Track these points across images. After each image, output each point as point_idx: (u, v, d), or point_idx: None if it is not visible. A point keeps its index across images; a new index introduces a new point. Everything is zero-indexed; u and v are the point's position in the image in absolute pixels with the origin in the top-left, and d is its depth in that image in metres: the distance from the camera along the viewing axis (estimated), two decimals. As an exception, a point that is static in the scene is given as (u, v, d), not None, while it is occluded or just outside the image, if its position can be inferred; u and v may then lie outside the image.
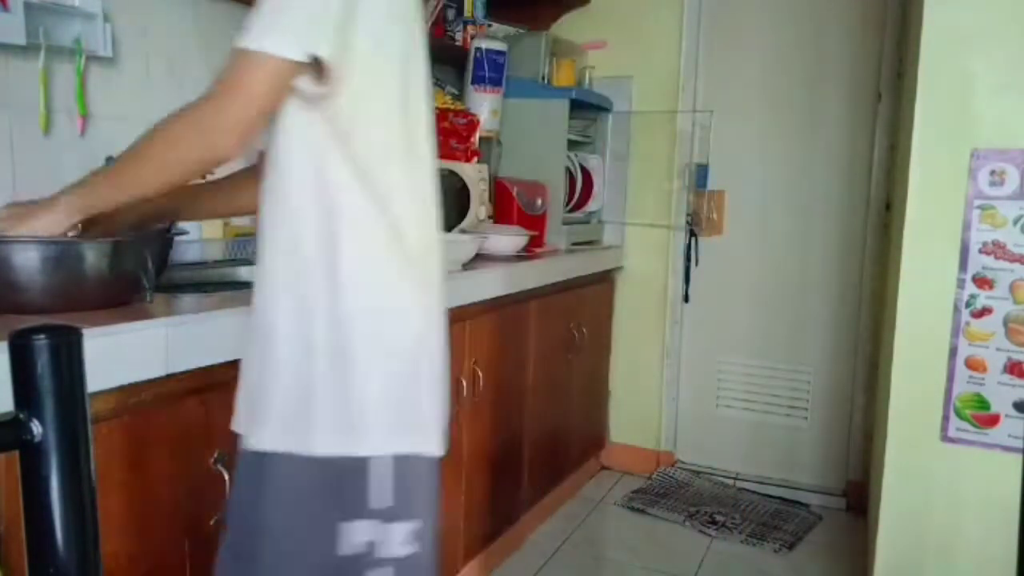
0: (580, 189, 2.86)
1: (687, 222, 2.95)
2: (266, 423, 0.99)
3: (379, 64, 1.01)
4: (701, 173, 2.93)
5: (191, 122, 0.97)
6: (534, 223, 2.56)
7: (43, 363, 0.51)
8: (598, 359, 2.98)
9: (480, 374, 1.98)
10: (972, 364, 1.66)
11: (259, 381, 1.01)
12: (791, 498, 2.85)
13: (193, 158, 0.99)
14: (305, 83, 0.96)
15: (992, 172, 1.62)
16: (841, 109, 2.75)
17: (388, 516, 0.99)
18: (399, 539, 1.00)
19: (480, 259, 2.21)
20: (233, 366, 1.22)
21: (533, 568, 2.30)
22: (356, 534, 0.98)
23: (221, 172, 1.17)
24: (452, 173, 2.31)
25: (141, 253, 1.18)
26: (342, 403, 0.97)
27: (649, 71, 2.97)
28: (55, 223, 1.05)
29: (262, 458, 0.99)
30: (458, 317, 1.88)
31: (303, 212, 0.98)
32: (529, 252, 2.40)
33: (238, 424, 1.05)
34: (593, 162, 2.93)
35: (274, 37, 0.93)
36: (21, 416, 0.51)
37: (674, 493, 2.87)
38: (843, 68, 2.74)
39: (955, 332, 1.67)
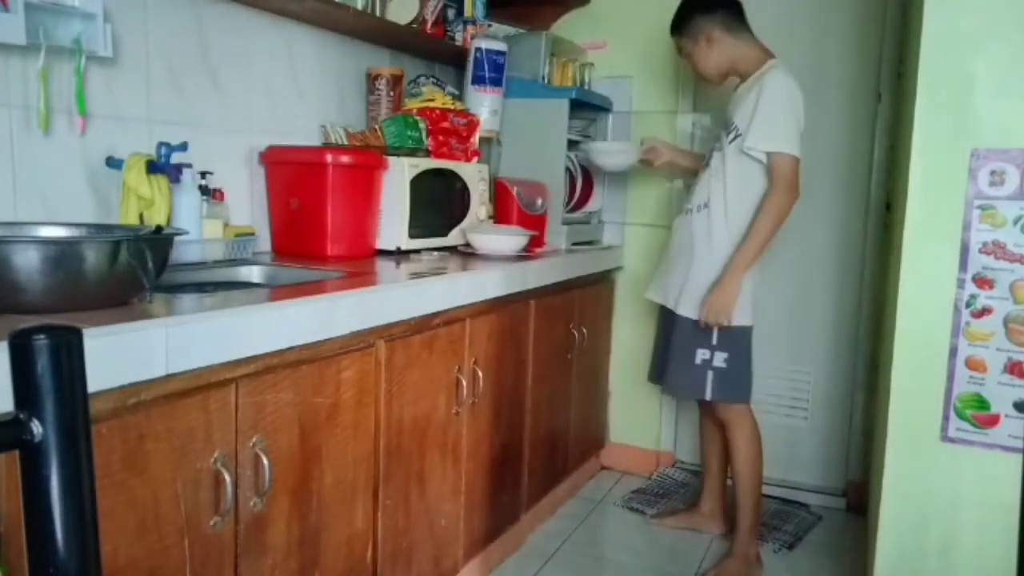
0: (580, 189, 2.86)
1: (687, 222, 2.95)
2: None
3: None
4: (701, 173, 2.93)
5: (775, 211, 2.13)
6: (534, 223, 2.56)
7: (43, 363, 0.51)
8: (598, 359, 2.98)
9: (480, 374, 1.98)
10: (972, 364, 1.66)
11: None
12: (791, 498, 2.85)
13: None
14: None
15: (992, 172, 1.62)
16: (841, 109, 2.75)
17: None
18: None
19: (480, 259, 2.21)
20: (232, 366, 1.23)
21: (533, 568, 2.30)
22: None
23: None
24: (452, 173, 2.31)
25: (141, 253, 1.18)
26: None
27: (649, 71, 2.97)
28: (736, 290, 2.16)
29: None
30: (458, 317, 1.88)
31: None
32: (529, 252, 2.40)
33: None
34: (593, 162, 2.93)
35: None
36: (21, 416, 0.51)
37: (674, 493, 2.87)
38: (843, 68, 2.74)
39: (955, 332, 1.67)
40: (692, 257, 2.24)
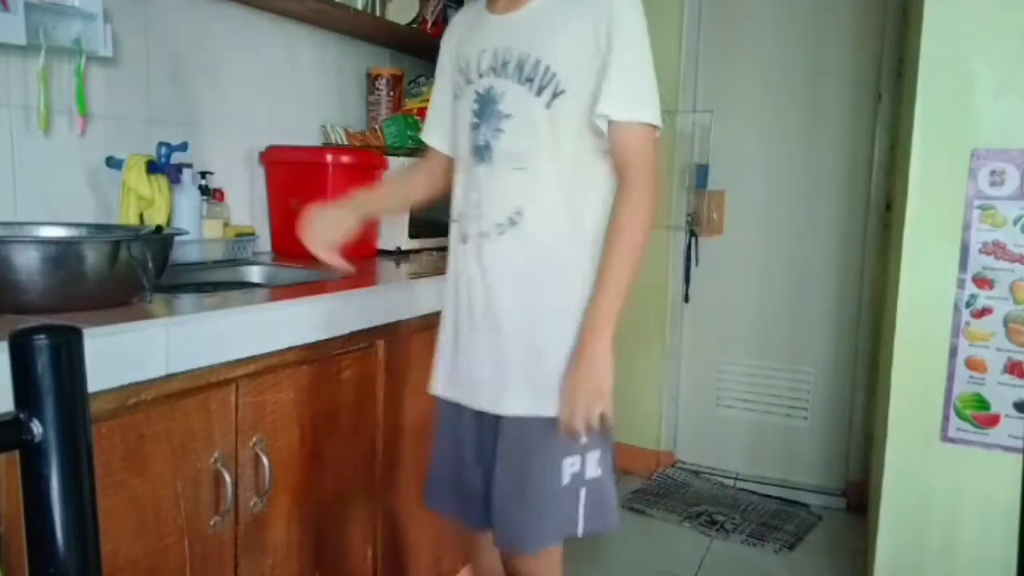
0: (580, 189, 2.85)
1: (687, 222, 2.95)
2: None
3: None
4: (701, 173, 2.93)
5: (645, 215, 1.22)
6: (534, 223, 2.56)
7: (43, 363, 0.51)
8: (598, 359, 2.97)
9: (480, 374, 1.97)
10: (972, 364, 1.66)
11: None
12: (791, 498, 2.85)
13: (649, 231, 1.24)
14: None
15: (992, 172, 1.62)
16: (841, 109, 2.75)
17: None
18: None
19: (480, 259, 2.21)
20: (232, 366, 1.23)
21: (533, 568, 2.30)
22: None
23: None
24: (452, 173, 2.30)
25: (141, 253, 1.18)
26: None
27: (649, 71, 2.96)
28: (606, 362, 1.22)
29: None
30: (458, 317, 1.88)
31: None
32: (529, 252, 2.40)
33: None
34: (593, 162, 2.92)
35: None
36: (21, 416, 0.51)
37: (674, 493, 2.87)
38: (843, 68, 2.74)
39: (955, 332, 1.67)
40: (517, 315, 1.26)
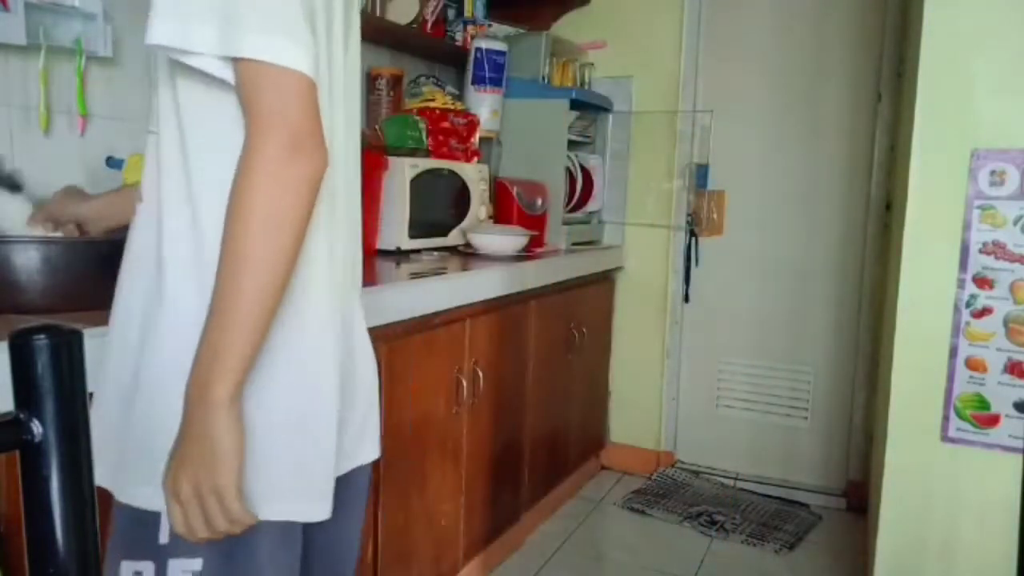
0: (580, 189, 2.86)
1: (687, 222, 2.95)
2: None
3: None
4: (701, 173, 2.94)
5: (274, 195, 0.75)
6: (534, 223, 2.56)
7: (43, 363, 0.51)
8: (598, 359, 2.98)
9: (480, 374, 1.98)
10: (972, 364, 1.66)
11: None
12: (791, 498, 2.85)
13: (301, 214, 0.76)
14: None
15: (992, 172, 1.62)
16: (841, 109, 2.75)
17: None
18: None
19: (480, 259, 2.21)
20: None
21: (533, 568, 2.30)
22: None
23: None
24: (452, 173, 2.31)
25: (141, 253, 1.17)
26: None
27: (649, 71, 2.97)
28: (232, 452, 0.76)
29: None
30: (458, 317, 1.88)
31: None
32: (529, 252, 2.40)
33: None
34: (593, 162, 2.93)
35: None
36: (21, 416, 0.51)
37: (674, 493, 2.87)
38: (843, 68, 2.74)
39: (955, 332, 1.67)
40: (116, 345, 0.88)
